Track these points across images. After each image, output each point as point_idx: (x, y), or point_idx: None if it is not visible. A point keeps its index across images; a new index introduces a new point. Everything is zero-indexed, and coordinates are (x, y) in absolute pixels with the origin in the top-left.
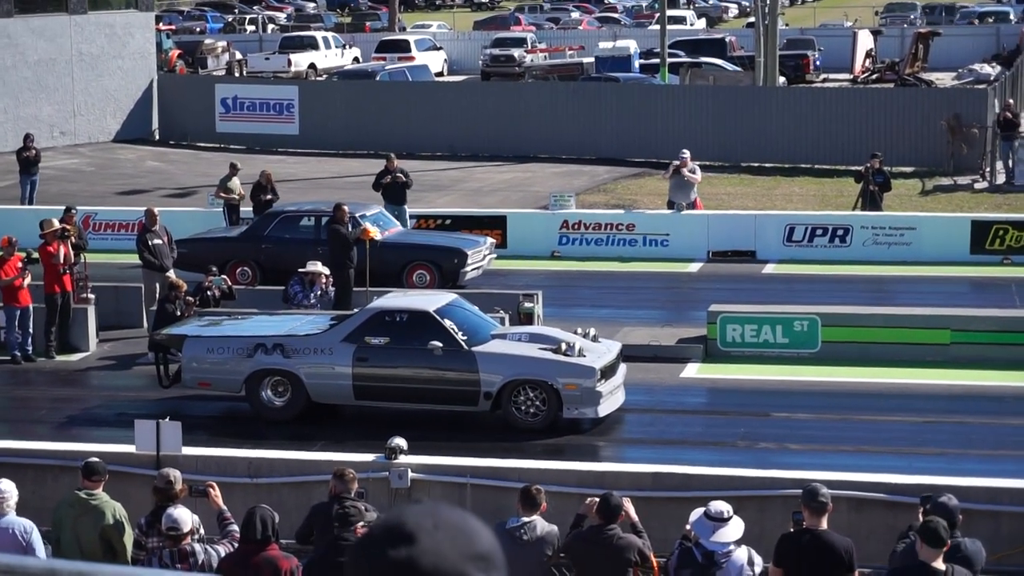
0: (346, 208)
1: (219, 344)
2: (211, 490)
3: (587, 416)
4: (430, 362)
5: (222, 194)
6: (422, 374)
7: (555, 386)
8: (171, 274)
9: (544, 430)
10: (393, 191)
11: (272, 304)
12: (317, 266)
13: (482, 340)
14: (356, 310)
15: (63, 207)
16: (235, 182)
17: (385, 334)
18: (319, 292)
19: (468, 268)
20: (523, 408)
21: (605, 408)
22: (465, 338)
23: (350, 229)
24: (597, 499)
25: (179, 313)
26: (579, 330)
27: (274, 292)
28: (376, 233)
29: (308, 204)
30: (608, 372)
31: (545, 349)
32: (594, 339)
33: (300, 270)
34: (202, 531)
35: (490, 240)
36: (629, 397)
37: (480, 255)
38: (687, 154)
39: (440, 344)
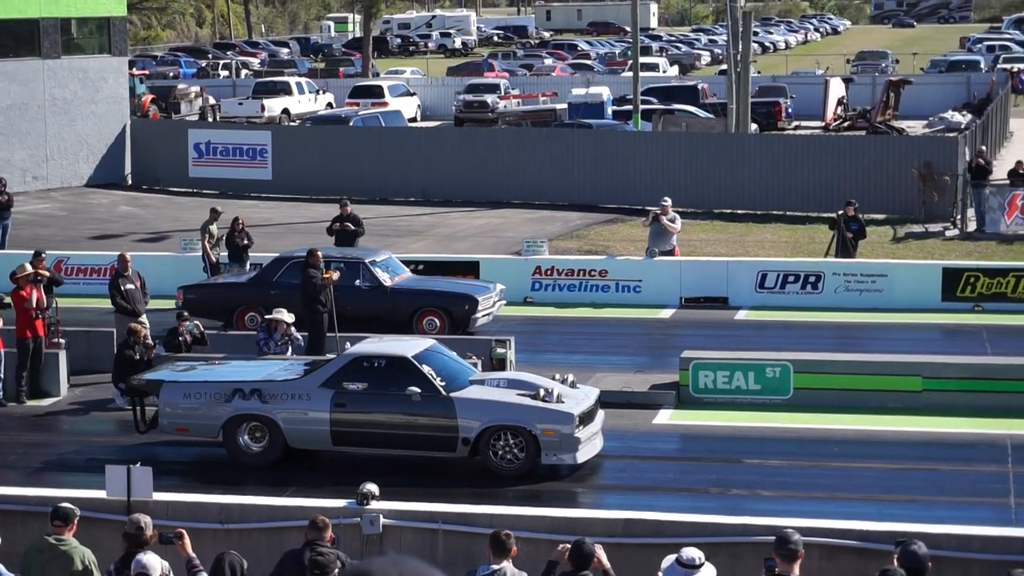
0: (319, 253)
1: (196, 389)
2: (180, 538)
3: (565, 462)
4: (408, 408)
5: (205, 242)
6: (400, 420)
7: (533, 432)
8: (143, 319)
9: (522, 476)
10: (344, 237)
11: (243, 349)
12: (282, 314)
13: (460, 386)
14: (330, 356)
15: (33, 251)
16: (215, 227)
17: (363, 380)
18: (280, 338)
19: (479, 314)
20: (501, 454)
21: (583, 454)
22: (443, 384)
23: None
24: (569, 546)
25: (138, 357)
26: (557, 376)
27: (245, 337)
28: (335, 276)
29: (318, 249)
30: (586, 418)
31: (523, 395)
32: (572, 385)
33: (266, 316)
34: None
35: (500, 286)
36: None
37: (490, 301)
38: (668, 202)
39: (418, 390)
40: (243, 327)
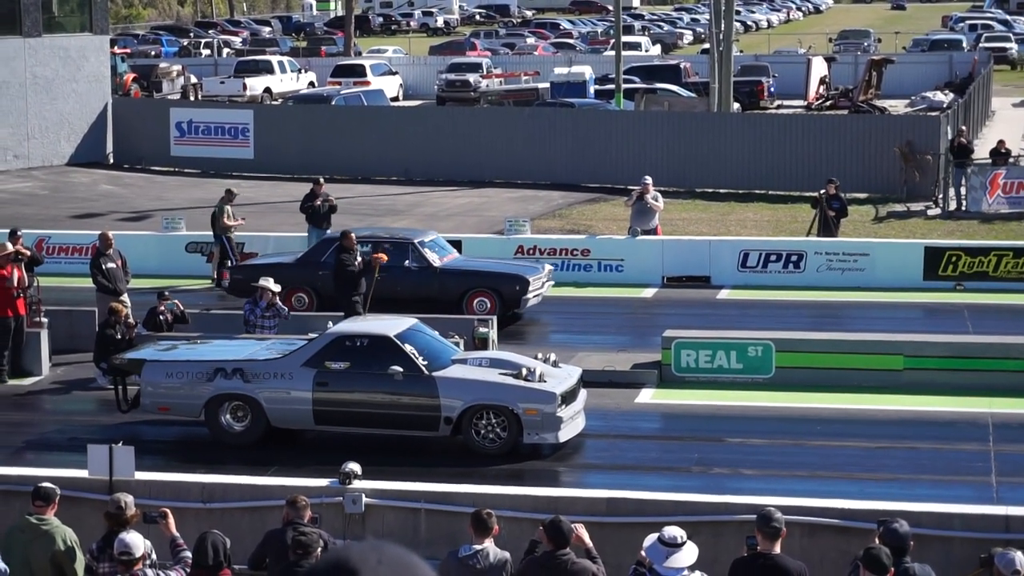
0: (353, 235)
1: (178, 369)
2: (164, 518)
3: (547, 441)
4: (391, 387)
5: (227, 221)
6: (382, 399)
7: (516, 411)
8: (124, 298)
9: (504, 455)
10: (318, 215)
11: (224, 329)
12: (268, 282)
13: (443, 365)
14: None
15: (9, 230)
16: (229, 210)
17: (345, 359)
18: (265, 306)
19: (529, 295)
20: (483, 433)
21: (565, 434)
22: (426, 363)
23: (359, 256)
24: None
25: (119, 337)
26: (539, 355)
27: (225, 317)
28: (384, 258)
29: (365, 229)
30: (568, 397)
31: (506, 374)
32: (554, 364)
33: (252, 284)
34: (154, 556)
35: (548, 267)
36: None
37: (540, 282)
38: (649, 180)
39: (401, 369)
40: (290, 308)
